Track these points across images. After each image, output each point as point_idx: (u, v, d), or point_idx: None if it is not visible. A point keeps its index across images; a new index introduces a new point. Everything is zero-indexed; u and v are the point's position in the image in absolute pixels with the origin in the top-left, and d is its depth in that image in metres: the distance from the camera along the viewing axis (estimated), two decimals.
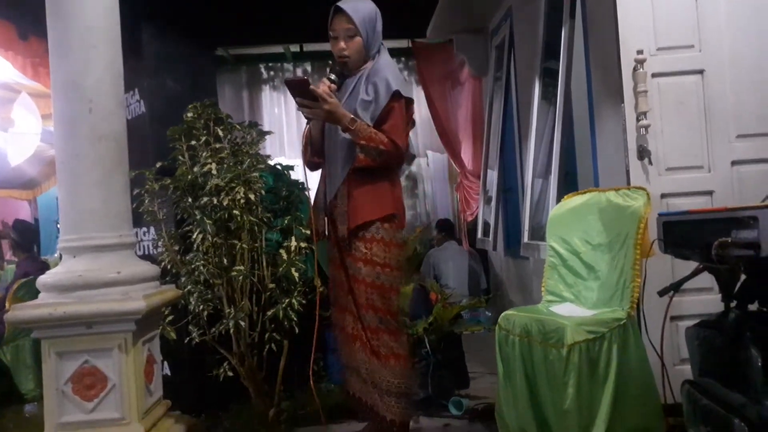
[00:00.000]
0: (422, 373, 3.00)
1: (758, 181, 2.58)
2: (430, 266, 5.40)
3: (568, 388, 2.19)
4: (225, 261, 2.77)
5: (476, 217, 5.64)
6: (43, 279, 2.09)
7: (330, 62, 2.42)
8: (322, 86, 2.31)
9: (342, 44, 2.36)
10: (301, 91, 2.27)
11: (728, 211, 1.63)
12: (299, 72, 6.52)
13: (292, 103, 2.57)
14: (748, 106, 2.64)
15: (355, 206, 2.35)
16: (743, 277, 1.60)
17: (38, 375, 3.49)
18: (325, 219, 2.49)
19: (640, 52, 2.61)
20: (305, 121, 2.47)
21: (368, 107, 2.33)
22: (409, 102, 2.41)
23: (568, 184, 3.46)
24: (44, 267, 3.83)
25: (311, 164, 2.57)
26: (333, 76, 2.36)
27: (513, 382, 2.44)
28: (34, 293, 2.17)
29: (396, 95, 2.32)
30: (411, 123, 2.52)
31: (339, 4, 2.37)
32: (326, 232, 2.50)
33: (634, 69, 2.61)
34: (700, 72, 2.65)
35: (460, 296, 4.72)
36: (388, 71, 2.36)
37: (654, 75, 2.64)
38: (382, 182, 2.38)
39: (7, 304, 3.72)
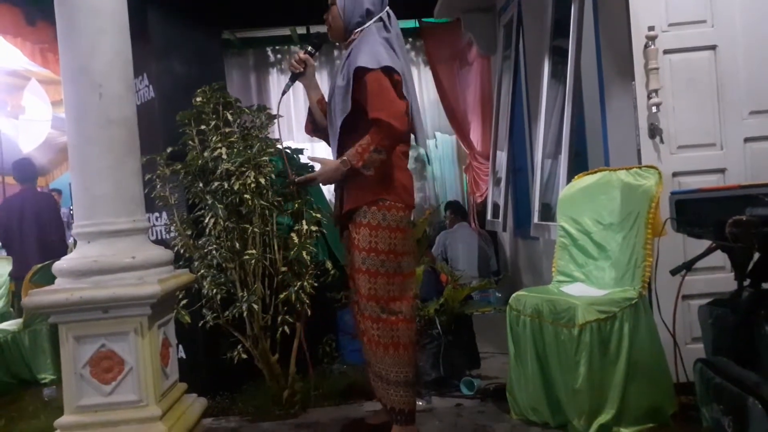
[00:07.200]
0: (433, 353, 3.02)
1: None
2: (441, 248, 5.42)
3: (579, 368, 2.21)
4: (237, 245, 2.78)
5: (485, 198, 5.63)
6: (58, 264, 2.11)
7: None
8: (297, 55, 2.38)
9: (326, 14, 2.36)
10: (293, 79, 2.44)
11: (742, 188, 1.63)
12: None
13: (299, 86, 2.57)
14: (761, 82, 2.60)
15: (348, 190, 2.32)
16: (756, 255, 1.60)
17: (56, 359, 3.56)
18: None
19: (651, 28, 2.58)
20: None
21: (343, 94, 2.23)
22: (388, 71, 2.16)
23: (579, 164, 3.44)
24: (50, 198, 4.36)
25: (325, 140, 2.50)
26: (309, 48, 2.40)
27: (524, 362, 2.46)
28: (50, 278, 2.20)
29: (358, 72, 2.15)
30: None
31: None
32: None
33: (645, 46, 2.58)
34: (713, 48, 2.62)
35: (470, 278, 4.74)
36: (361, 46, 2.21)
37: (665, 51, 2.60)
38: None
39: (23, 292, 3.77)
